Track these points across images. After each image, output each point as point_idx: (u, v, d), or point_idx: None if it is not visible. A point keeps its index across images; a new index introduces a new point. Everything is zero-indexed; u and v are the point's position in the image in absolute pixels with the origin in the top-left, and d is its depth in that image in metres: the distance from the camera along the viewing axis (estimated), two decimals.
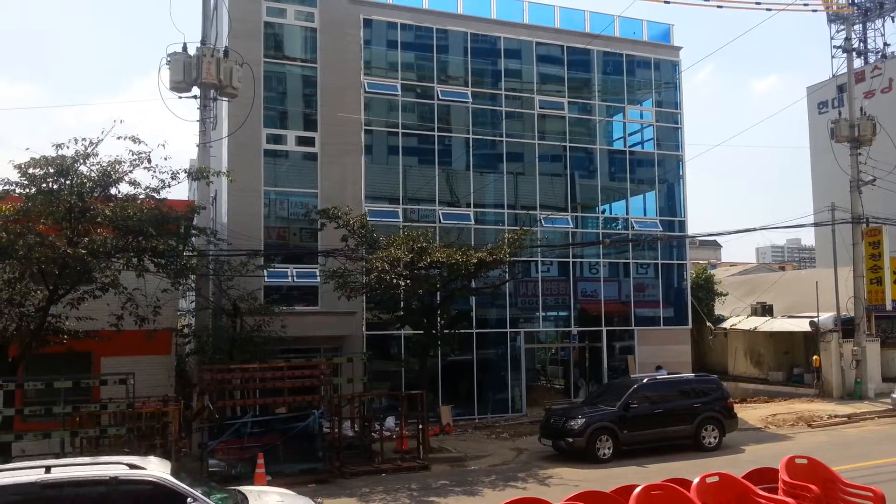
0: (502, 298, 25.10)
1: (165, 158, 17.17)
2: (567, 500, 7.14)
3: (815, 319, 27.81)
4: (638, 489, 7.45)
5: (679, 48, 29.54)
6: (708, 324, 32.73)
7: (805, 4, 27.06)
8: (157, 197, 15.77)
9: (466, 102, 25.60)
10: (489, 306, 25.33)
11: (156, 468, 8.45)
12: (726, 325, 33.38)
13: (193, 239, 18.52)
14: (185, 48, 18.69)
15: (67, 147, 15.09)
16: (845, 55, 29.52)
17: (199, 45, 19.04)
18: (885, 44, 45.64)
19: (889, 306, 27.28)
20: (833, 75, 44.17)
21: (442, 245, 19.70)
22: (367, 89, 24.15)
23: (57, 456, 14.56)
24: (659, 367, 24.86)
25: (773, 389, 29.20)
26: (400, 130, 24.69)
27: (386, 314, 22.64)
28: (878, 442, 18.40)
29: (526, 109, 26.53)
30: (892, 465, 14.60)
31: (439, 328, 20.21)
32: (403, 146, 24.83)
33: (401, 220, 23.86)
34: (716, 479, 8.21)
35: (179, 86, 18.73)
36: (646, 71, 28.83)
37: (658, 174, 28.64)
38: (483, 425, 22.80)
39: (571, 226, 26.91)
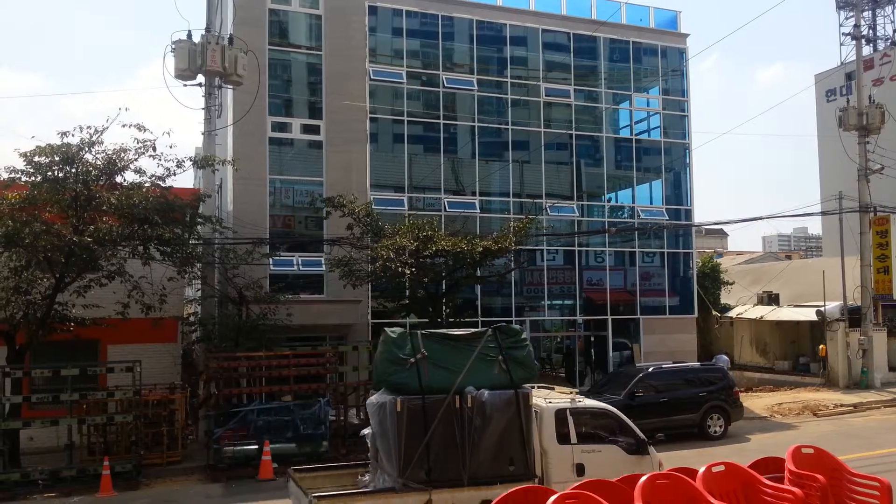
0: (508, 287, 25.07)
1: (171, 147, 17.21)
2: (572, 489, 7.11)
3: (822, 308, 27.70)
4: (643, 478, 7.41)
5: (686, 35, 29.31)
6: (714, 313, 32.61)
7: None
8: (163, 185, 15.80)
9: (472, 90, 25.47)
10: (494, 295, 25.31)
11: None
12: (732, 314, 33.27)
13: (199, 227, 18.54)
14: (189, 36, 18.63)
15: (73, 135, 15.16)
16: (854, 42, 29.28)
17: (203, 32, 18.96)
18: (895, 30, 45.31)
19: None
20: (841, 63, 43.83)
21: (447, 233, 19.64)
22: (372, 77, 24.04)
23: (69, 446, 14.71)
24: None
25: (779, 378, 29.12)
26: (405, 118, 24.59)
27: (391, 302, 22.63)
28: (884, 431, 18.34)
29: (532, 97, 26.39)
30: None
31: (444, 317, 20.20)
32: (409, 134, 24.74)
33: (406, 208, 23.82)
34: (721, 468, 8.16)
35: (184, 74, 18.68)
36: (652, 58, 28.62)
37: (664, 162, 28.51)
38: None
39: (577, 214, 26.81)
